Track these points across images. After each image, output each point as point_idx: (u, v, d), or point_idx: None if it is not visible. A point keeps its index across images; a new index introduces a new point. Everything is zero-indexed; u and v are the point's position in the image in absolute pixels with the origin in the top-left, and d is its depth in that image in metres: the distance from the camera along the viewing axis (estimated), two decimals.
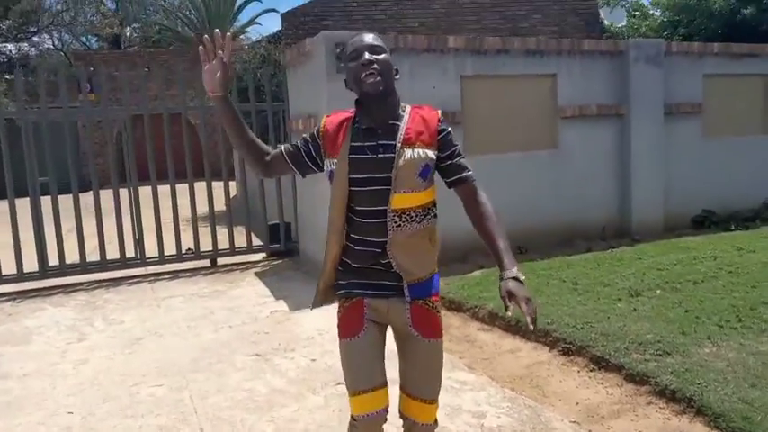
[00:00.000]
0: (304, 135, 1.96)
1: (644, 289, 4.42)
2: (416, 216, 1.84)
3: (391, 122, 1.83)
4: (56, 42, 27.77)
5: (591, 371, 3.36)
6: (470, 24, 11.59)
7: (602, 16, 10.98)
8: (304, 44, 5.50)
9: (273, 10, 23.32)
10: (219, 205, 6.98)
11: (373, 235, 1.84)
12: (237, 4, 26.95)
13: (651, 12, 9.43)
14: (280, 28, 12.27)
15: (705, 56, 6.75)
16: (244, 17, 26.16)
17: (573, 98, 6.15)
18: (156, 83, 6.30)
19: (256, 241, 6.72)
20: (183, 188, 6.12)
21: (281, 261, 6.52)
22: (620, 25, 10.13)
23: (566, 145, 6.15)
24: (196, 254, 6.32)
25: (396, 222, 1.82)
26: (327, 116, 1.92)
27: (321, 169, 1.92)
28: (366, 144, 1.81)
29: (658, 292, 4.35)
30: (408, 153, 1.80)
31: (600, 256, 5.57)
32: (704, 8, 8.27)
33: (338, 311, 1.95)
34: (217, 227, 6.42)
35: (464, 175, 1.89)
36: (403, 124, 1.84)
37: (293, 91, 6.20)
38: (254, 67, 8.93)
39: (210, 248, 6.36)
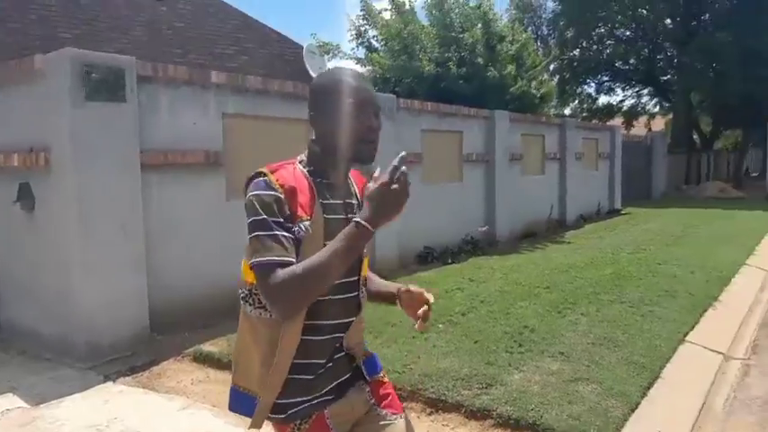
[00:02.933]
0: (263, 215, 1.40)
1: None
2: (366, 282, 1.63)
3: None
4: None
5: (430, 414, 3.39)
6: (176, 57, 10.90)
7: (306, 64, 11.58)
8: (31, 61, 4.35)
9: None
10: None
11: (342, 315, 1.53)
12: None
13: (363, 66, 10.41)
14: None
15: (423, 113, 7.71)
16: None
17: None
18: None
19: None
20: None
21: None
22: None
23: None
24: None
25: (362, 293, 1.59)
26: (272, 171, 1.47)
27: None
28: (336, 202, 1.52)
29: (441, 326, 4.68)
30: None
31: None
32: (415, 70, 9.51)
33: None
34: None
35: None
36: (353, 184, 1.63)
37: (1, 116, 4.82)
38: None
39: None
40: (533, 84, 11.41)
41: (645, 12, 24.56)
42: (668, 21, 24.78)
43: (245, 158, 5.50)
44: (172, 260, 4.86)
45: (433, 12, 10.21)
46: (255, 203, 1.40)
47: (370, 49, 10.75)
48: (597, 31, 26.14)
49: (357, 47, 10.69)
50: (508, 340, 4.30)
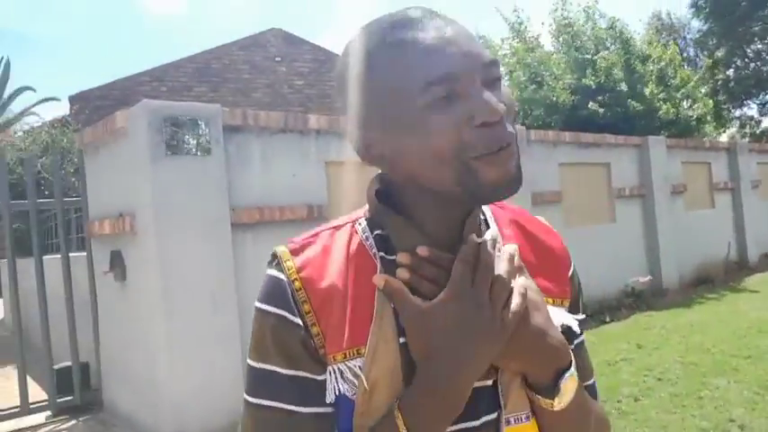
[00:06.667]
0: (259, 362, 0.71)
1: None
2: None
3: None
4: None
5: None
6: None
7: None
8: (114, 119, 4.03)
9: (54, 99, 20.53)
10: None
11: None
12: (7, 94, 23.44)
13: None
14: (67, 113, 10.30)
15: (560, 144, 6.63)
16: (17, 107, 22.65)
17: None
18: None
19: (37, 393, 4.66)
20: None
21: (75, 422, 4.52)
22: None
23: None
24: None
25: None
26: (293, 252, 0.73)
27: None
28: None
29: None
30: None
31: None
32: (546, 100, 8.48)
33: None
34: None
35: (592, 381, 0.86)
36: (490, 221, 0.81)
37: (95, 182, 4.57)
38: (34, 155, 6.94)
39: None
40: (686, 104, 9.81)
41: None
42: None
43: (352, 210, 4.80)
44: None
45: (561, 37, 9.13)
46: (253, 331, 0.73)
47: None
48: (753, 47, 23.16)
49: None
50: None
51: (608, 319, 6.17)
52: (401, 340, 0.67)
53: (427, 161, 0.66)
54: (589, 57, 8.71)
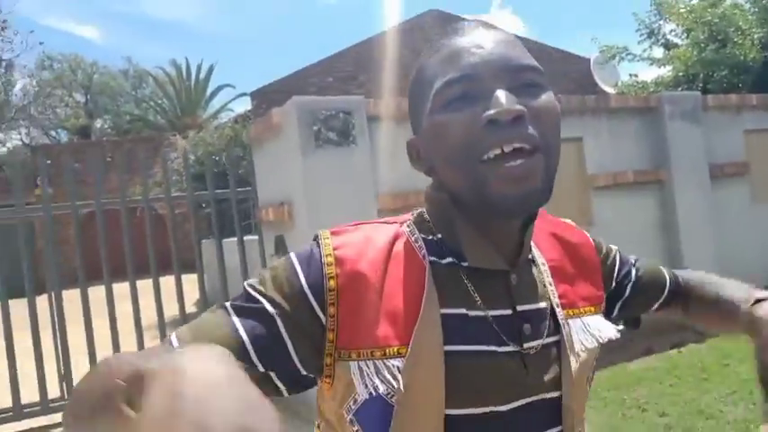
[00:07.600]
0: (251, 301, 0.68)
1: None
2: None
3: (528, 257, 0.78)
4: (24, 138, 27.07)
5: None
6: None
7: (595, 77, 10.25)
8: (271, 115, 4.40)
9: (245, 94, 22.65)
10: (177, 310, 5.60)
11: None
12: (210, 91, 26.45)
13: (660, 66, 8.69)
14: (249, 107, 11.40)
15: (745, 109, 5.83)
16: (217, 104, 25.61)
17: (604, 164, 5.09)
18: (118, 173, 5.13)
19: None
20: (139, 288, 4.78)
21: None
22: (620, 82, 9.34)
23: (601, 220, 5.02)
24: None
25: None
26: (334, 233, 0.74)
27: (294, 387, 0.70)
28: (489, 314, 0.71)
29: None
30: (579, 334, 0.75)
31: (671, 361, 4.31)
32: (732, 60, 7.46)
33: None
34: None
35: (665, 276, 0.99)
36: (538, 257, 0.79)
37: (262, 173, 5.04)
38: (218, 149, 7.83)
39: None
40: None
41: None
42: None
43: None
44: None
45: None
46: (272, 266, 0.73)
47: (667, 46, 8.91)
48: None
49: (650, 47, 8.96)
50: None
51: None
52: (446, 348, 0.66)
53: (446, 164, 0.69)
54: None
